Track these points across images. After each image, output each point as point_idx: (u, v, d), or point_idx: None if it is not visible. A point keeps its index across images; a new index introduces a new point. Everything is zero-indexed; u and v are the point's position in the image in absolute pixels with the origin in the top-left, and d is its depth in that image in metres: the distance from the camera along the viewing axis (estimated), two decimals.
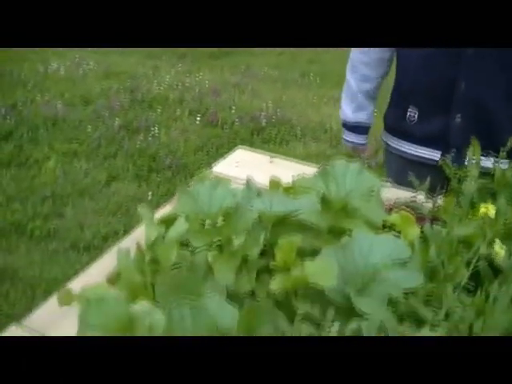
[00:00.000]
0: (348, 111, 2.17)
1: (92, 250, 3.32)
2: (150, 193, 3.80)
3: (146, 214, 1.37)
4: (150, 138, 4.36)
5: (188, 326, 0.97)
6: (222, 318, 1.01)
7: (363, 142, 2.20)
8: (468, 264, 1.04)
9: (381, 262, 1.04)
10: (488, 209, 1.11)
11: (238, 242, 1.11)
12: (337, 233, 1.17)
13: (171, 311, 0.99)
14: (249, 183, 1.34)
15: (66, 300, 1.19)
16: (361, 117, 2.16)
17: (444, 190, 1.38)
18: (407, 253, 1.04)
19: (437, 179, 1.39)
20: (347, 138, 2.21)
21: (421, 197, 1.39)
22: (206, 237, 1.16)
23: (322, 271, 0.99)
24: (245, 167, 1.78)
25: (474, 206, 1.24)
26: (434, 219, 1.30)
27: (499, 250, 1.03)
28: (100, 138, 4.38)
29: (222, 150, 4.24)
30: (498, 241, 1.05)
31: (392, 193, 1.48)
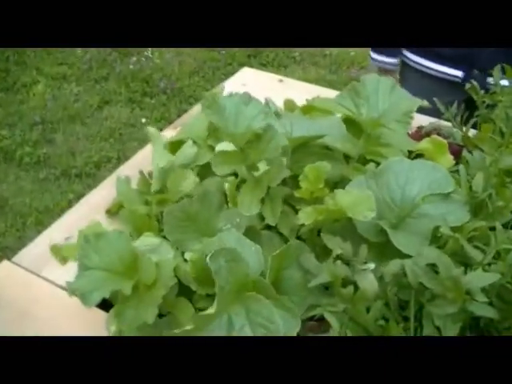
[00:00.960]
0: None
1: (84, 178, 3.19)
2: (143, 118, 3.64)
3: (155, 136, 1.24)
4: (143, 60, 4.17)
5: (224, 276, 0.85)
6: (247, 258, 0.90)
7: (393, 61, 2.03)
8: None
9: (420, 193, 0.93)
10: None
11: (263, 168, 0.98)
12: (364, 160, 1.05)
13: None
14: (268, 103, 1.20)
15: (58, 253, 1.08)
16: None
17: (472, 117, 1.24)
18: (451, 183, 0.93)
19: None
20: (375, 57, 2.01)
21: (445, 123, 1.26)
22: (229, 162, 1.01)
23: (358, 202, 0.87)
24: (253, 88, 1.63)
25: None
26: (467, 147, 1.18)
27: None
28: (91, 61, 4.17)
29: (218, 74, 4.06)
30: None
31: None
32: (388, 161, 0.97)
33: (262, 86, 1.65)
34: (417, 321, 0.81)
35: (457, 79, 1.78)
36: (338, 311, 0.82)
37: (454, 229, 0.86)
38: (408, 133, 1.23)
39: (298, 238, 0.98)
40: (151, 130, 1.24)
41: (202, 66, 4.17)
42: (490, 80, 1.64)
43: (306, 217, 0.89)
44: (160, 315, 0.93)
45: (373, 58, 1.98)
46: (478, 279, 0.77)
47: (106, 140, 3.48)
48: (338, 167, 1.02)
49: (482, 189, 0.92)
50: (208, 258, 0.84)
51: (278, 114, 1.18)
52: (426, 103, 1.13)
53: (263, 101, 1.16)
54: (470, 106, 1.21)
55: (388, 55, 1.95)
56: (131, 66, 4.12)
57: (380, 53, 1.96)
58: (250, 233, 1.00)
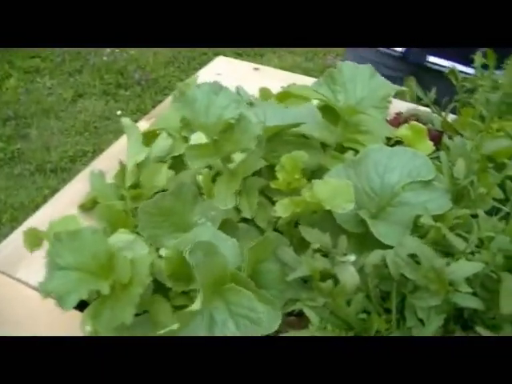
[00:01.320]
0: None
1: (59, 173, 3.14)
2: (118, 111, 3.60)
3: (130, 127, 1.21)
4: (117, 51, 4.11)
5: (201, 270, 0.82)
6: (223, 253, 0.87)
7: None
8: (499, 185, 0.91)
9: (400, 181, 0.90)
10: None
11: (238, 160, 0.95)
12: (342, 148, 1.02)
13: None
14: (239, 92, 1.17)
15: (33, 242, 1.03)
16: None
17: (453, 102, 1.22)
18: (432, 171, 0.90)
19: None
20: None
21: (424, 108, 1.24)
22: (203, 154, 0.97)
23: (337, 193, 0.84)
24: (228, 77, 1.59)
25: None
26: (447, 133, 1.16)
27: None
28: (64, 54, 4.12)
29: (193, 64, 4.02)
30: None
31: (394, 105, 1.33)
32: (367, 149, 0.94)
33: (237, 74, 1.61)
34: (399, 313, 0.79)
35: (398, 54, 1.73)
36: (317, 306, 0.80)
37: (435, 217, 0.84)
38: (386, 119, 1.21)
39: (276, 230, 0.95)
40: (126, 121, 1.21)
41: (176, 56, 4.12)
42: (430, 58, 1.65)
43: (282, 209, 0.86)
44: (136, 314, 0.90)
45: None
46: (462, 269, 0.74)
47: (81, 134, 3.43)
48: (316, 156, 0.99)
49: (464, 175, 0.90)
50: (187, 253, 0.81)
51: (250, 103, 1.16)
52: (403, 88, 1.10)
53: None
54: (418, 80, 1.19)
55: None
56: (105, 58, 4.06)
57: None
58: (227, 226, 0.97)
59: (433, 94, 1.19)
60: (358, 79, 1.08)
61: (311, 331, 0.79)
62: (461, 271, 0.74)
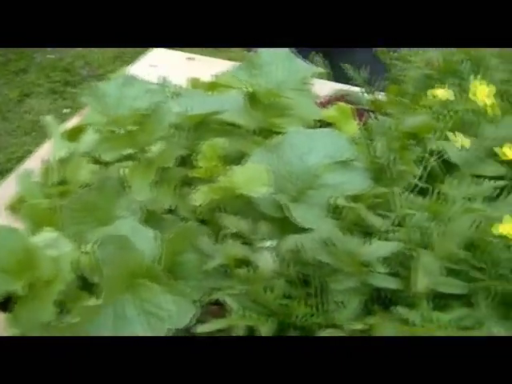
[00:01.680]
0: None
1: (6, 174, 3.08)
2: (66, 109, 3.54)
3: (52, 126, 1.18)
4: (62, 49, 4.05)
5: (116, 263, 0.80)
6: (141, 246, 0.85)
7: None
8: (419, 161, 0.90)
9: (319, 163, 0.89)
10: (438, 94, 0.94)
11: (154, 149, 0.93)
12: (267, 133, 1.01)
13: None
14: (163, 83, 1.15)
15: None
16: None
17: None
18: (351, 150, 0.89)
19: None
20: None
21: (355, 88, 1.23)
22: (116, 146, 0.96)
23: (253, 178, 0.83)
24: (161, 68, 1.57)
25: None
26: (376, 112, 1.15)
27: (454, 138, 0.88)
28: (7, 53, 4.05)
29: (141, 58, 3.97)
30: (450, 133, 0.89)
31: (327, 87, 1.32)
32: (287, 132, 0.93)
33: (170, 65, 1.59)
34: (320, 296, 0.78)
35: None
36: (238, 293, 0.79)
37: (354, 197, 0.83)
38: (318, 102, 1.20)
39: (201, 219, 0.94)
40: (46, 119, 1.18)
41: (123, 50, 4.06)
42: None
43: (200, 197, 0.85)
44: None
45: None
46: (376, 249, 0.74)
47: (28, 134, 3.36)
48: (238, 142, 0.98)
49: (384, 153, 0.89)
50: (96, 246, 0.79)
51: (177, 94, 1.14)
52: (319, 70, 1.09)
53: (173, 80, 1.13)
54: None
55: None
56: (51, 56, 3.99)
57: None
58: (152, 218, 0.95)
59: (365, 73, 1.18)
60: (277, 63, 1.07)
61: (232, 319, 0.78)
62: (375, 252, 0.73)
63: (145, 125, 0.93)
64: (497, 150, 0.90)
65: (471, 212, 0.78)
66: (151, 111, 0.92)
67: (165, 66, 1.58)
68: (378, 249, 0.73)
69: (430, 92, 0.95)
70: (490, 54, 1.14)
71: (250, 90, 1.03)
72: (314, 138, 0.92)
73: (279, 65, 1.06)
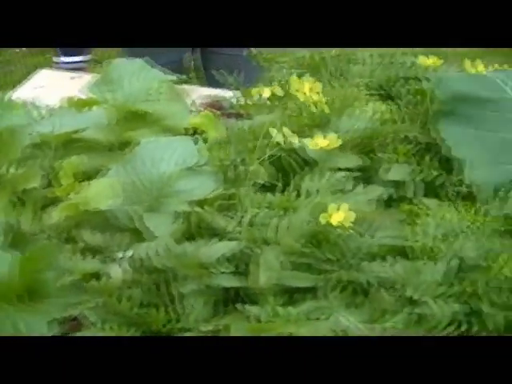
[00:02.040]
0: None
1: None
2: None
3: None
4: None
5: None
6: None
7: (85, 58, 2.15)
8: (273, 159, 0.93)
9: (171, 171, 0.91)
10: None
11: (10, 171, 0.95)
12: (127, 147, 1.03)
13: None
14: (33, 103, 1.17)
15: None
16: None
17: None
18: (197, 156, 0.92)
19: None
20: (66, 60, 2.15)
21: (227, 93, 1.26)
22: None
23: (101, 192, 0.85)
24: (48, 88, 1.59)
25: None
26: (243, 115, 1.17)
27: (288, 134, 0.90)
28: None
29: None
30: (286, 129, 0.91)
31: (202, 93, 1.35)
32: (139, 144, 0.95)
33: (55, 85, 1.62)
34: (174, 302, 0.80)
35: None
36: (95, 306, 0.80)
37: (202, 201, 0.85)
38: (194, 109, 1.22)
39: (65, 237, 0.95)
40: None
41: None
42: None
43: (56, 215, 0.87)
44: None
45: (63, 62, 2.05)
46: (216, 250, 0.76)
47: None
48: (100, 158, 1.00)
49: (235, 155, 0.92)
50: None
51: (51, 114, 1.15)
52: (174, 77, 1.12)
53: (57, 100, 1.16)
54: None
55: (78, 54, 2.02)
56: None
57: (69, 55, 2.03)
58: (21, 240, 0.96)
59: (238, 77, 1.20)
60: (130, 74, 1.08)
61: (92, 332, 0.79)
62: (215, 252, 0.76)
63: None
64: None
65: (312, 205, 0.81)
66: (1, 134, 0.93)
67: (50, 87, 1.60)
68: (218, 249, 0.76)
69: (254, 90, 0.98)
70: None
71: (105, 105, 1.05)
72: (164, 146, 0.94)
73: (134, 76, 1.08)
